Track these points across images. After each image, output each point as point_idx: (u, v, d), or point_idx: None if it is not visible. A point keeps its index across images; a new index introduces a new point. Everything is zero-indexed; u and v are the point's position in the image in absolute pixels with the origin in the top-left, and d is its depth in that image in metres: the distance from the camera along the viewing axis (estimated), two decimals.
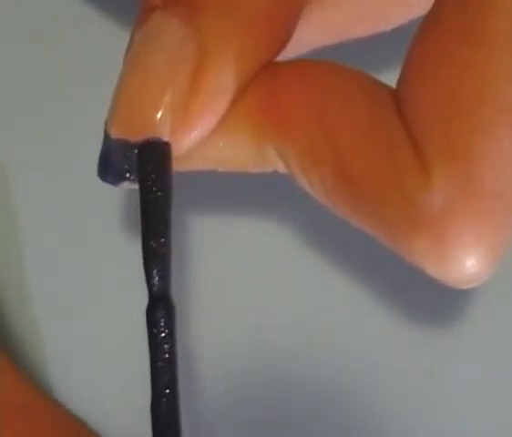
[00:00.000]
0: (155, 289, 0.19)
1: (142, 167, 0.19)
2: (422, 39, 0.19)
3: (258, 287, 0.29)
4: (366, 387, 0.28)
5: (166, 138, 0.18)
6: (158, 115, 0.18)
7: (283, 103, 0.20)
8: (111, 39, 0.30)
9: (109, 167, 0.19)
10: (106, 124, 0.19)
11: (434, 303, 0.29)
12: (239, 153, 0.20)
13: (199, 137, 0.19)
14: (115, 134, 0.19)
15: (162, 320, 0.19)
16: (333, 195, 0.20)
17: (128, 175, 0.19)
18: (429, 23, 0.19)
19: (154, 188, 0.19)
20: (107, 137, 0.19)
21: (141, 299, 0.18)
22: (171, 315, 0.19)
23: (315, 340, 0.29)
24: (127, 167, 0.19)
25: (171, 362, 0.19)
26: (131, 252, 0.29)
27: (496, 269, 0.18)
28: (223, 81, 0.19)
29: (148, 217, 0.19)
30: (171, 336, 0.19)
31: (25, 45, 0.31)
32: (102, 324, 0.29)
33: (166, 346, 0.19)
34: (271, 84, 0.20)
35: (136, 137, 0.18)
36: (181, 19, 0.18)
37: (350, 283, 0.29)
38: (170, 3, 0.18)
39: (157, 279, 0.19)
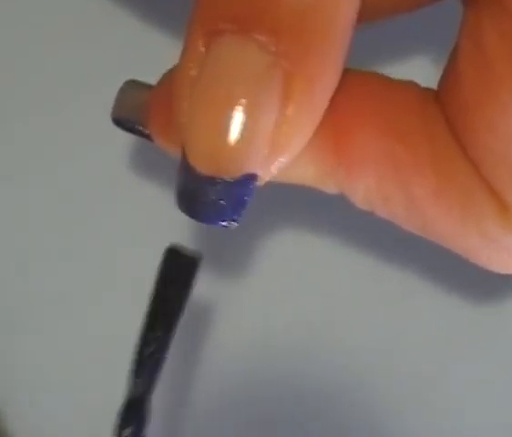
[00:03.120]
0: (134, 394, 0.18)
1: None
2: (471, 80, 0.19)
3: (259, 286, 0.29)
4: (366, 387, 0.28)
5: (257, 171, 0.18)
6: (252, 148, 0.17)
7: (352, 143, 0.19)
8: (111, 40, 0.30)
9: (204, 207, 0.18)
10: (185, 160, 0.18)
11: (434, 303, 0.29)
12: (300, 178, 0.20)
13: (285, 164, 0.18)
14: (205, 171, 0.18)
15: (132, 427, 0.18)
16: (403, 224, 0.20)
17: (226, 211, 0.18)
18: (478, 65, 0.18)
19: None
20: (191, 174, 0.18)
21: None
22: (142, 425, 0.18)
23: (315, 339, 0.29)
24: (224, 203, 0.18)
25: None
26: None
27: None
28: (310, 107, 0.18)
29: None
30: None
31: (25, 45, 0.31)
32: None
33: None
34: (338, 119, 0.19)
35: (231, 173, 0.18)
36: (260, 45, 0.17)
37: (351, 283, 0.29)
38: (244, 27, 0.17)
39: (139, 384, 0.18)
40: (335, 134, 0.20)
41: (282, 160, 0.18)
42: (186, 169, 0.18)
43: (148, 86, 0.21)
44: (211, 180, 0.18)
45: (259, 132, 0.17)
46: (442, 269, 0.29)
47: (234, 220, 0.18)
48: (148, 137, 0.21)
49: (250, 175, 0.18)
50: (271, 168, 0.18)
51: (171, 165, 0.21)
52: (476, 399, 0.28)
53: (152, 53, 0.30)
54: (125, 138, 0.30)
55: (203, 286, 0.29)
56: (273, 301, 0.29)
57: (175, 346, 0.19)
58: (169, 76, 0.20)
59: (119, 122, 0.21)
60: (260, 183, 0.18)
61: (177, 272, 0.18)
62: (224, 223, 0.18)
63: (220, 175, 0.18)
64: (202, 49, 0.17)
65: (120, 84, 0.23)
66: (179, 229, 0.29)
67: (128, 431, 0.18)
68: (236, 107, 0.17)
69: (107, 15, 0.30)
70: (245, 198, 0.18)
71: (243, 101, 0.17)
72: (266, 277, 0.29)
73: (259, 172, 0.18)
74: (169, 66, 0.30)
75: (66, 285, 0.29)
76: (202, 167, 0.18)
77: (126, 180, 0.30)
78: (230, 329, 0.29)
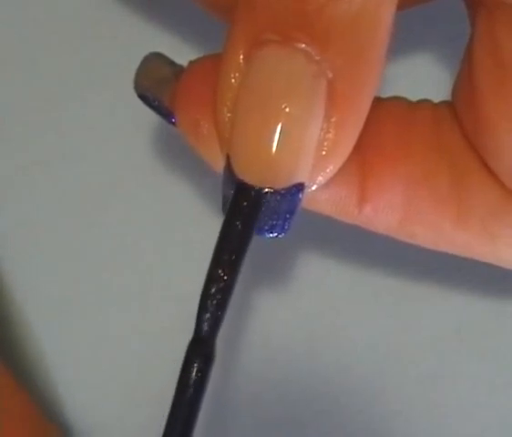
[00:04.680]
0: (204, 328, 0.18)
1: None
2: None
3: (262, 287, 0.29)
4: (370, 388, 0.28)
5: (305, 180, 0.18)
6: (299, 158, 0.17)
7: (378, 187, 0.20)
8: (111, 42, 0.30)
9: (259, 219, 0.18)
10: (231, 170, 0.18)
11: (438, 303, 0.29)
12: (321, 207, 0.20)
13: (333, 173, 0.18)
14: (253, 182, 0.18)
15: (198, 365, 0.18)
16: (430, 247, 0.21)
17: (279, 221, 0.18)
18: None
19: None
20: (238, 184, 0.18)
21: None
22: (209, 363, 0.18)
23: (319, 340, 0.29)
24: (276, 216, 0.18)
25: (192, 411, 0.18)
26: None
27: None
28: (354, 114, 0.18)
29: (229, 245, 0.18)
30: (202, 384, 0.18)
31: (26, 46, 0.31)
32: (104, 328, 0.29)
33: (192, 391, 0.18)
34: (364, 157, 0.20)
35: (279, 184, 0.18)
36: (305, 54, 0.17)
37: (355, 284, 0.29)
38: (289, 37, 0.17)
39: (208, 317, 0.18)
40: (361, 172, 0.20)
41: (330, 169, 0.18)
42: (232, 179, 0.18)
43: (171, 63, 0.21)
44: (258, 192, 0.18)
45: (306, 141, 0.17)
46: (445, 268, 0.29)
47: (282, 231, 0.18)
48: (172, 124, 0.20)
49: (297, 185, 0.18)
50: (319, 178, 0.18)
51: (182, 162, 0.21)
52: (480, 400, 0.28)
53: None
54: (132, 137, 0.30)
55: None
56: (278, 301, 0.29)
57: None
58: (199, 67, 0.20)
59: (144, 97, 0.21)
60: (307, 193, 0.18)
61: (243, 209, 0.18)
62: (272, 234, 0.18)
63: (268, 185, 0.18)
64: (245, 58, 0.17)
65: (123, 84, 0.23)
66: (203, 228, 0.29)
67: (194, 368, 0.18)
68: (283, 118, 0.17)
69: (110, 16, 0.30)
70: (293, 208, 0.18)
71: (290, 111, 0.17)
72: (270, 277, 0.29)
73: (306, 182, 0.18)
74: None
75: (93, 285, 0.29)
76: (250, 178, 0.18)
77: (125, 181, 0.30)
78: (235, 329, 0.29)
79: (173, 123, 0.20)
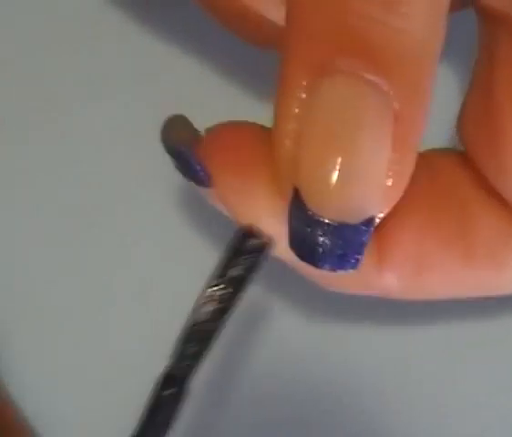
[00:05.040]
0: (174, 369, 0.18)
1: None
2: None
3: (269, 288, 0.29)
4: (372, 387, 0.28)
5: (376, 214, 0.18)
6: (375, 193, 0.17)
7: (394, 246, 0.20)
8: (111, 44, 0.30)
9: (323, 253, 0.18)
10: (302, 204, 0.18)
11: (438, 303, 0.29)
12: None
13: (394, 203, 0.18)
14: (327, 217, 0.17)
15: (169, 401, 0.18)
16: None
17: (345, 257, 0.18)
18: None
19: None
20: (310, 218, 0.18)
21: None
22: (179, 401, 0.18)
23: (324, 342, 0.29)
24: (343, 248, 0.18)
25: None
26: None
27: None
28: (416, 143, 0.18)
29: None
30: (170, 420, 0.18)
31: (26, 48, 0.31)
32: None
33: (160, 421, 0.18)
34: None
35: (354, 218, 0.17)
36: (376, 86, 0.17)
37: None
38: (357, 67, 0.17)
39: (186, 358, 0.18)
40: (378, 234, 0.20)
41: (394, 199, 0.18)
42: (303, 213, 0.17)
43: (192, 127, 0.21)
44: (332, 226, 0.18)
45: (378, 174, 0.17)
46: None
47: (353, 266, 0.18)
48: (203, 185, 0.20)
49: (369, 218, 0.18)
50: (385, 209, 0.18)
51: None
52: (480, 400, 0.28)
53: (156, 61, 0.30)
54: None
55: None
56: (284, 303, 0.29)
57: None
58: (228, 131, 0.20)
59: (180, 153, 0.20)
60: (375, 225, 0.18)
61: (246, 250, 0.18)
62: (342, 269, 0.18)
63: (342, 221, 0.17)
64: (308, 88, 0.17)
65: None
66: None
67: (163, 403, 0.18)
68: (356, 151, 0.17)
69: (111, 17, 0.30)
70: (364, 242, 0.18)
71: (364, 144, 0.17)
72: (276, 278, 0.29)
73: (376, 214, 0.18)
74: (172, 74, 0.30)
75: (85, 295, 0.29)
76: (327, 214, 0.17)
77: (125, 185, 0.30)
78: (242, 330, 0.29)
79: (206, 184, 0.20)
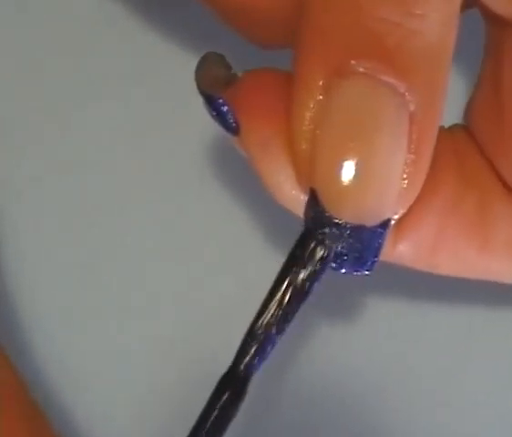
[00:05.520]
0: (241, 366, 0.18)
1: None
2: None
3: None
4: (373, 387, 0.28)
5: (391, 215, 0.18)
6: (391, 195, 0.17)
7: (412, 226, 0.20)
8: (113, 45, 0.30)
9: (340, 255, 0.18)
10: (318, 204, 0.18)
11: (439, 304, 0.29)
12: None
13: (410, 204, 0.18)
14: (344, 218, 0.17)
15: (229, 401, 0.18)
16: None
17: (362, 259, 0.18)
18: None
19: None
20: (327, 219, 0.18)
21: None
22: (238, 402, 0.18)
23: (325, 342, 0.29)
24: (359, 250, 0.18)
25: None
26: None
27: None
28: (431, 143, 0.18)
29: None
30: (227, 420, 0.18)
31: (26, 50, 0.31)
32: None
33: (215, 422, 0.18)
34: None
35: (371, 220, 0.17)
36: (392, 88, 0.17)
37: (363, 287, 0.29)
38: (374, 69, 0.17)
39: (249, 358, 0.18)
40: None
41: (409, 201, 0.18)
42: (319, 213, 0.17)
43: (227, 66, 0.20)
44: (348, 229, 0.18)
45: (394, 176, 0.17)
46: None
47: (369, 268, 0.18)
48: (233, 133, 0.19)
49: (385, 221, 0.18)
50: (400, 210, 0.18)
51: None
52: (480, 399, 0.28)
53: (156, 61, 0.30)
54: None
55: None
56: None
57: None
58: (263, 78, 0.19)
59: (210, 98, 0.19)
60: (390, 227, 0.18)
61: (310, 254, 0.18)
62: (359, 271, 0.18)
63: (359, 223, 0.17)
64: (324, 88, 0.17)
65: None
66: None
67: (221, 402, 0.18)
68: (372, 153, 0.17)
69: (112, 18, 0.30)
70: (380, 244, 0.18)
71: (380, 146, 0.17)
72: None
73: (392, 216, 0.18)
74: (172, 74, 0.30)
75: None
76: (343, 215, 0.17)
77: (126, 186, 0.30)
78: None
79: (234, 132, 0.19)
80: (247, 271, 0.29)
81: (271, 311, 0.18)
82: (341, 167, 0.17)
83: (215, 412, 0.18)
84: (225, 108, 0.19)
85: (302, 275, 0.18)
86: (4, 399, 0.25)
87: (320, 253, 0.18)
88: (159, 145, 0.30)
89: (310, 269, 0.18)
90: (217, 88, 0.19)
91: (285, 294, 0.18)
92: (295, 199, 0.19)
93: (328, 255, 0.18)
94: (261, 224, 0.29)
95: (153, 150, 0.30)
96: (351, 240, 0.18)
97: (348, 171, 0.17)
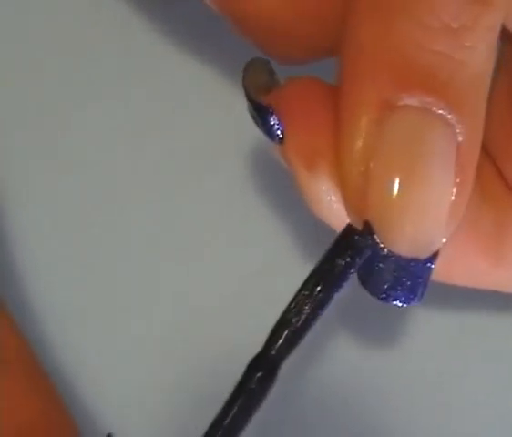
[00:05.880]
0: (273, 351, 0.18)
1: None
2: None
3: (271, 289, 0.29)
4: (373, 387, 0.28)
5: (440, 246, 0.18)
6: (443, 226, 0.17)
7: None
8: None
9: (391, 287, 0.18)
10: (372, 237, 0.18)
11: (440, 304, 0.29)
12: None
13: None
14: (405, 252, 0.17)
15: (259, 385, 0.18)
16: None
17: (413, 290, 0.18)
18: None
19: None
20: (379, 252, 0.18)
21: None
22: (268, 386, 0.18)
23: (326, 341, 0.29)
24: (410, 282, 0.18)
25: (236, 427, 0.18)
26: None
27: None
28: (474, 173, 0.18)
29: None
30: (255, 404, 0.18)
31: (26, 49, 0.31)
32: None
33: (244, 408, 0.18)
34: None
35: (423, 253, 0.18)
36: (444, 120, 0.17)
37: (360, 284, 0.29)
38: (428, 102, 0.17)
39: (281, 343, 0.18)
40: None
41: (451, 232, 0.18)
42: (373, 246, 0.18)
43: (271, 72, 0.20)
44: (402, 261, 0.18)
45: (445, 208, 0.17)
46: None
47: (418, 300, 0.18)
48: (277, 141, 0.19)
49: (435, 252, 0.18)
50: (444, 240, 0.18)
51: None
52: (480, 400, 0.28)
53: (156, 61, 0.30)
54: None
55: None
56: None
57: None
58: (308, 87, 0.19)
59: (259, 105, 0.19)
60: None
61: (346, 249, 0.18)
62: (408, 304, 0.18)
63: (413, 256, 0.18)
64: (376, 121, 0.17)
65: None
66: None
67: (251, 384, 0.18)
68: (428, 188, 0.17)
69: (112, 18, 0.30)
70: (429, 276, 0.18)
71: (434, 180, 0.17)
72: (281, 279, 0.29)
73: (440, 247, 0.18)
74: (172, 74, 0.30)
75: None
76: (397, 249, 0.17)
77: (126, 185, 0.30)
78: (245, 330, 0.29)
79: (279, 141, 0.19)
80: (247, 271, 0.29)
81: (303, 300, 0.18)
82: (397, 201, 0.17)
83: (243, 395, 0.18)
84: (273, 117, 0.19)
85: (335, 267, 0.18)
86: (11, 362, 0.25)
87: (355, 243, 0.18)
88: (159, 145, 0.30)
89: (344, 261, 0.18)
90: (260, 95, 0.19)
91: (317, 285, 0.18)
92: (342, 222, 0.19)
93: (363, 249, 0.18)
94: (261, 224, 0.29)
95: (153, 150, 0.30)
96: (403, 273, 0.18)
97: (405, 206, 0.17)
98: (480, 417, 0.28)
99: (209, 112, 0.30)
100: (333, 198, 0.18)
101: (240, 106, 0.30)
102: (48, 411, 0.25)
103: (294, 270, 0.29)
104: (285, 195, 0.29)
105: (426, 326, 0.29)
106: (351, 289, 0.29)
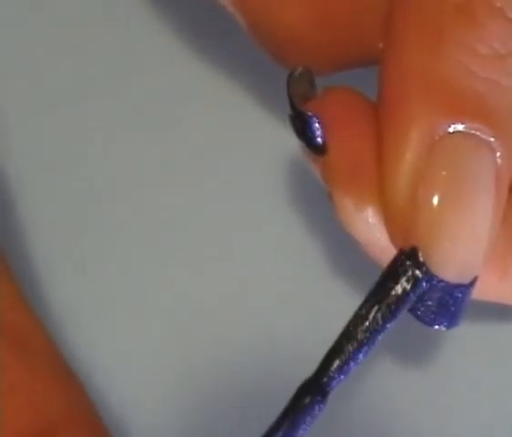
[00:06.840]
0: (324, 379, 0.19)
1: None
2: None
3: (271, 288, 0.29)
4: (374, 387, 0.28)
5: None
6: (484, 251, 0.18)
7: None
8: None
9: (436, 311, 0.19)
10: (420, 263, 0.18)
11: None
12: None
13: None
14: (452, 278, 0.18)
15: (311, 411, 0.18)
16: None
17: (455, 314, 0.18)
18: None
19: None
20: (427, 278, 0.18)
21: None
22: (317, 413, 0.19)
23: (325, 341, 0.29)
24: (453, 306, 0.18)
25: None
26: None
27: None
28: (506, 193, 0.18)
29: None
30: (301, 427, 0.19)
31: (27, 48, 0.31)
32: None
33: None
34: None
35: (468, 278, 0.18)
36: (490, 147, 0.17)
37: (361, 287, 0.29)
38: (476, 128, 0.17)
39: (335, 372, 0.19)
40: None
41: (487, 253, 0.18)
42: (419, 271, 0.18)
43: (311, 83, 0.20)
44: (449, 287, 0.18)
45: (488, 234, 0.18)
46: None
47: (458, 323, 0.19)
48: (318, 152, 0.19)
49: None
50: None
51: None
52: (480, 400, 0.28)
53: (156, 60, 0.30)
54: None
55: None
56: (286, 303, 0.29)
57: None
58: (350, 100, 0.19)
59: (304, 115, 0.19)
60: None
61: (402, 273, 0.18)
62: (450, 328, 0.19)
63: (458, 281, 0.18)
64: (423, 148, 0.17)
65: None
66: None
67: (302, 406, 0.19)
68: (476, 214, 0.17)
69: (112, 18, 0.30)
70: (469, 298, 0.18)
71: (482, 207, 0.17)
72: (280, 278, 0.29)
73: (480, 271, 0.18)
74: (172, 73, 0.30)
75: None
76: (445, 276, 0.18)
77: (126, 184, 0.30)
78: (243, 328, 0.29)
79: (320, 153, 0.19)
80: (247, 271, 0.29)
81: (358, 328, 0.19)
82: (446, 227, 0.17)
83: (289, 420, 0.19)
84: (317, 126, 0.19)
85: (394, 292, 0.18)
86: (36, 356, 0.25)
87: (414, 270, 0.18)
88: (160, 144, 0.30)
89: (403, 286, 0.18)
90: (301, 105, 0.19)
91: (371, 313, 0.19)
92: (383, 249, 0.19)
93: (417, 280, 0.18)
94: (261, 223, 0.29)
95: (153, 150, 0.30)
96: (449, 297, 0.18)
97: (453, 232, 0.17)
98: (480, 417, 0.28)
99: (210, 112, 0.30)
100: (374, 221, 0.18)
101: (241, 106, 0.30)
102: (72, 411, 0.24)
103: (294, 270, 0.29)
104: (285, 194, 0.29)
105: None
106: (350, 287, 0.29)
